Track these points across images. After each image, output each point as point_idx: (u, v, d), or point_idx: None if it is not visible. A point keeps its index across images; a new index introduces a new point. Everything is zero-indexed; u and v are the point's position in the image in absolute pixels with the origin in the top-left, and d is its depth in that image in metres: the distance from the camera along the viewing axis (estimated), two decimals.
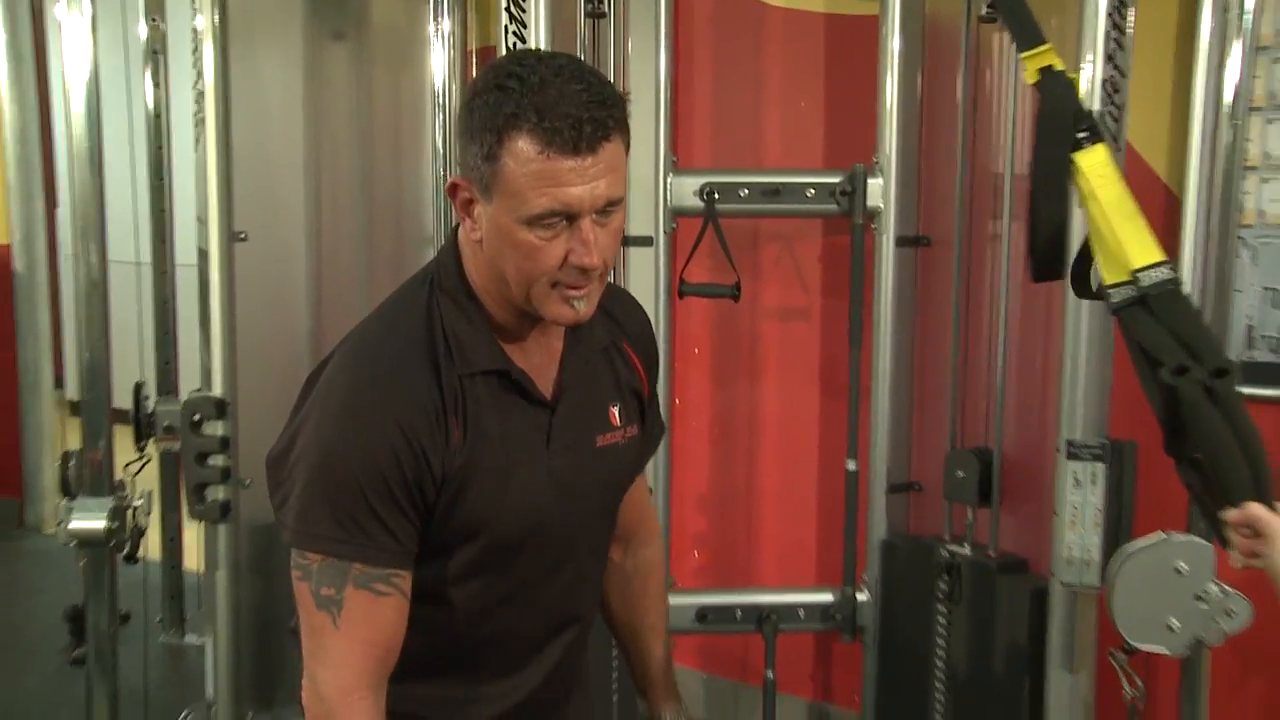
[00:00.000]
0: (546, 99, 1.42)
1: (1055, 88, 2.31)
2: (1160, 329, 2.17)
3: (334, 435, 1.53)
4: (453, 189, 1.55)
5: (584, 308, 1.55)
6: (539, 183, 1.43)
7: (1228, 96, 2.81)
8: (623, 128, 1.50)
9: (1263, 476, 2.00)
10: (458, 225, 1.62)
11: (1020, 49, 2.36)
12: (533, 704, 1.77)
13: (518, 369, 1.62)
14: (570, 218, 1.46)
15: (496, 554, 1.64)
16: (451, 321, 1.58)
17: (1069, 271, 2.40)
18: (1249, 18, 2.72)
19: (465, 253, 1.61)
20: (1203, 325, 2.22)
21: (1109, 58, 2.78)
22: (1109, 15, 2.76)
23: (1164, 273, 2.18)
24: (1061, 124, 2.30)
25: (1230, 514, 1.77)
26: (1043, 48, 2.33)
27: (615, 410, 1.78)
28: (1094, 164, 2.27)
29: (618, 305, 1.83)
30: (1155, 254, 2.19)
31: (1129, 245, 2.20)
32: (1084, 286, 2.34)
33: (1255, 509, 1.72)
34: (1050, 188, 2.39)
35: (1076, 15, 2.83)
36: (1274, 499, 1.76)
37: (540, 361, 1.66)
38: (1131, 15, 2.79)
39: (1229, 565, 1.86)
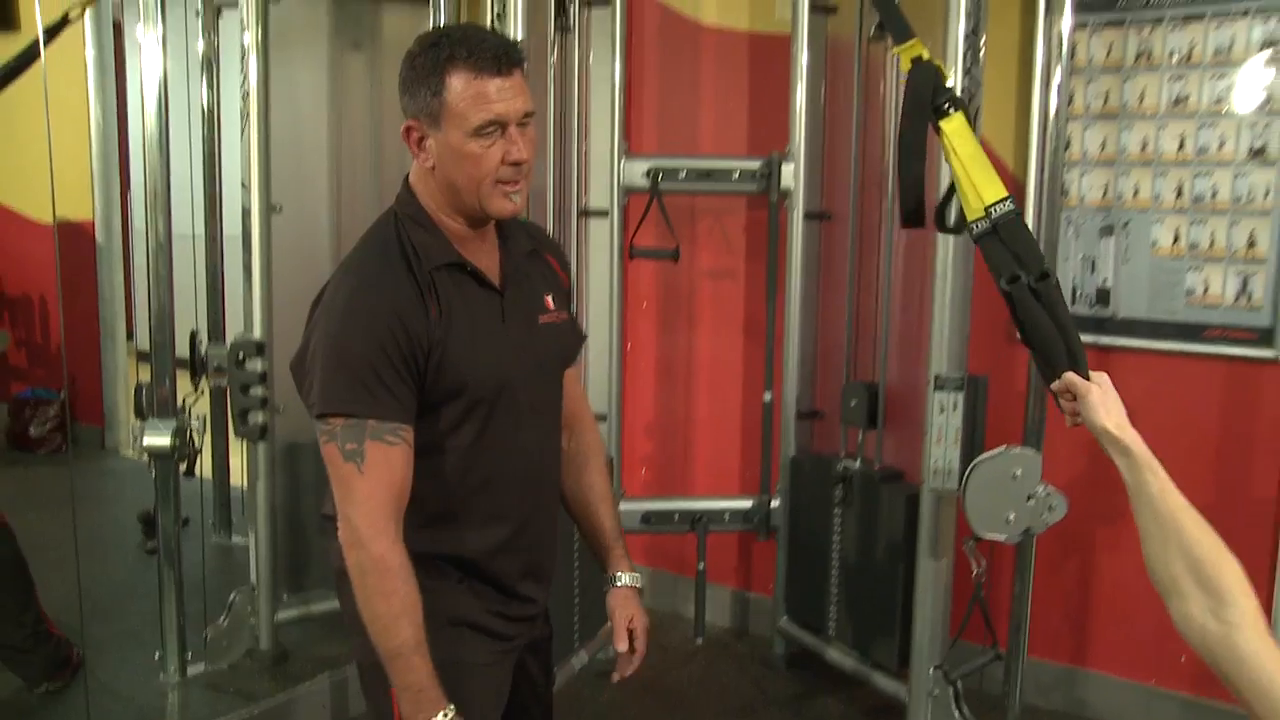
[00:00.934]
0: (470, 42, 1.66)
1: (921, 71, 2.44)
2: (1005, 251, 2.30)
3: (341, 328, 1.68)
4: (407, 131, 1.74)
5: (519, 200, 1.75)
6: (477, 102, 1.65)
7: (1054, 108, 2.93)
8: (523, 62, 1.72)
9: (1077, 353, 2.09)
10: (407, 175, 1.81)
11: (896, 43, 2.50)
12: (523, 537, 1.87)
13: (470, 262, 1.78)
14: (502, 126, 1.67)
15: (476, 407, 1.76)
16: (414, 234, 1.75)
17: (934, 216, 2.53)
18: (1067, 47, 2.86)
19: (418, 186, 1.78)
20: (1033, 243, 2.32)
21: (966, 71, 2.92)
22: (966, 38, 2.91)
23: (1008, 206, 2.31)
24: (923, 98, 2.43)
25: (1055, 384, 1.86)
26: (912, 41, 2.48)
27: (549, 298, 1.92)
28: (954, 127, 2.40)
29: (535, 230, 2.02)
30: (1002, 192, 2.32)
31: (982, 187, 2.33)
32: (944, 224, 2.50)
33: (1070, 377, 1.80)
34: (912, 150, 2.50)
35: (941, 38, 2.96)
36: (1087, 370, 1.83)
37: (486, 262, 1.82)
38: (983, 40, 2.93)
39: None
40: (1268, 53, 3.02)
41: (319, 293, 1.79)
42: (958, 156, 2.39)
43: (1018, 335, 2.10)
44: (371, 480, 1.66)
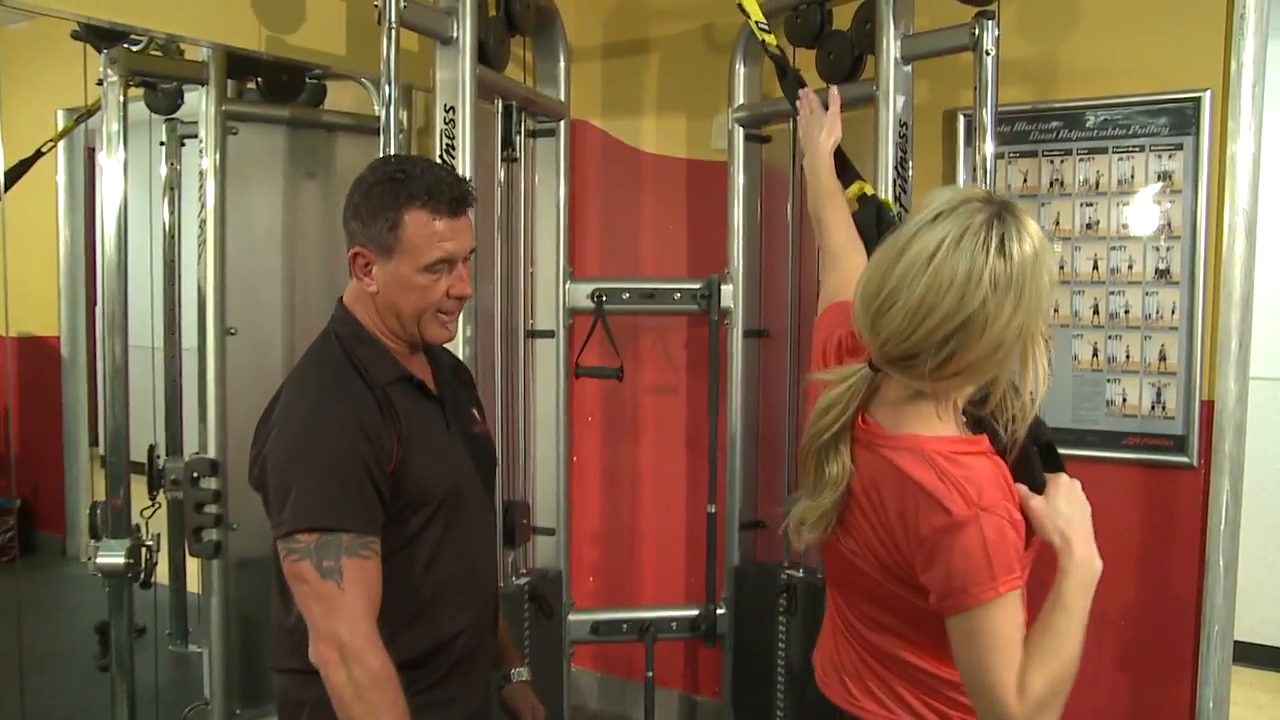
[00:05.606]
0: (428, 182, 1.66)
1: (866, 205, 2.44)
2: None
3: (308, 443, 1.61)
4: (355, 257, 1.71)
5: (453, 328, 1.77)
6: (432, 240, 1.66)
7: None
8: (475, 202, 1.74)
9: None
10: (340, 298, 1.79)
11: (845, 185, 2.46)
12: (474, 631, 1.82)
13: (416, 375, 1.76)
14: (450, 263, 1.69)
15: (439, 511, 1.72)
16: (359, 353, 1.71)
17: None
18: (990, 173, 2.82)
19: (355, 307, 1.75)
20: None
21: (896, 198, 2.86)
22: (895, 168, 2.88)
23: None
24: (870, 232, 2.38)
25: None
26: (860, 182, 2.46)
27: (475, 411, 1.93)
28: None
29: (446, 350, 1.96)
30: None
31: None
32: None
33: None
34: None
35: (872, 167, 2.90)
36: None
37: (422, 375, 1.79)
38: (910, 169, 2.92)
39: None
40: (1160, 185, 3.04)
41: (267, 409, 1.73)
42: None
43: None
44: (354, 596, 1.56)
